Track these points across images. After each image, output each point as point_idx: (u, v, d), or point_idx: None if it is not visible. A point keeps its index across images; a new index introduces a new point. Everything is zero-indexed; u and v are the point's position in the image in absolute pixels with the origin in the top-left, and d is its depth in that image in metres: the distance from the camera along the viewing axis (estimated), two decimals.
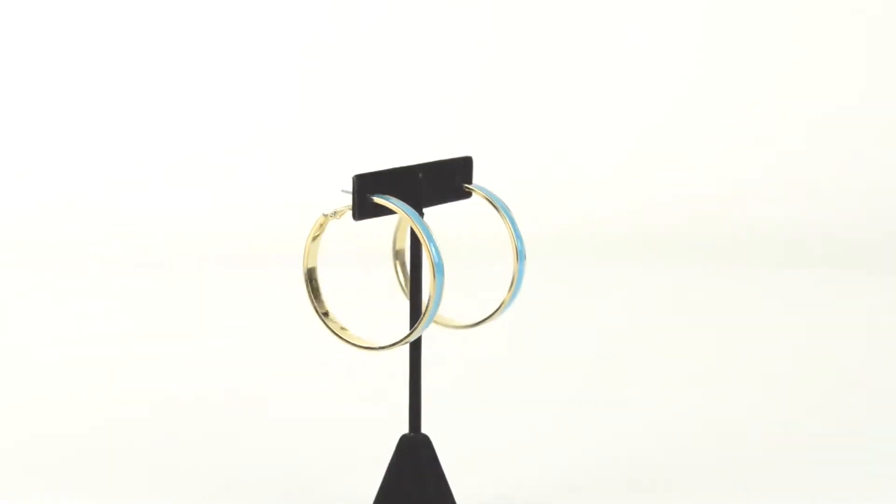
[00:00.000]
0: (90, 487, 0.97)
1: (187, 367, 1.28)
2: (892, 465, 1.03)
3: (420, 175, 0.84)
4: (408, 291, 0.89)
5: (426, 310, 0.82)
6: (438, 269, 0.81)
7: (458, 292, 1.13)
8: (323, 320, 0.86)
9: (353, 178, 0.82)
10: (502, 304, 0.87)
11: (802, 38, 2.09)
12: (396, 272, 0.90)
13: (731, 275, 1.69)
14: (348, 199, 0.82)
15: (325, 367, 1.27)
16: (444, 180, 0.86)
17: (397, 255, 0.90)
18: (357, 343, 0.85)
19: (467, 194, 0.88)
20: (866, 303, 1.57)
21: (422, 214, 0.86)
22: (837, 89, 2.07)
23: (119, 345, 1.36)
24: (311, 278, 0.85)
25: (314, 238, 0.84)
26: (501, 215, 0.85)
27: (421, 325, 0.82)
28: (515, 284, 0.85)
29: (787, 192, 1.98)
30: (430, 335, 0.92)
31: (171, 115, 2.06)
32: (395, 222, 0.90)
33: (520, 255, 0.85)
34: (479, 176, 0.89)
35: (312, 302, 0.86)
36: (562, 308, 1.52)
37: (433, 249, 0.81)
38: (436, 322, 0.89)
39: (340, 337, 0.86)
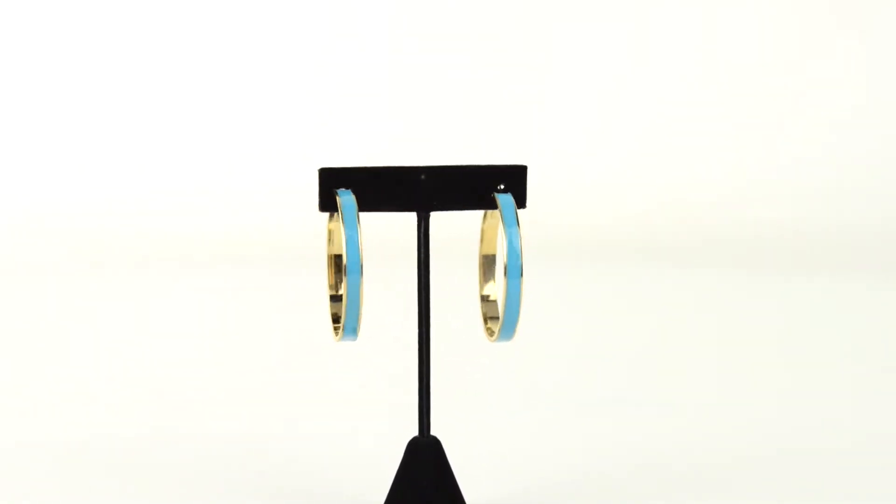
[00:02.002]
0: (93, 493, 0.97)
1: (194, 369, 1.29)
2: (893, 465, 1.03)
3: (422, 177, 0.84)
4: (482, 295, 0.88)
5: (343, 313, 0.82)
6: (348, 270, 0.80)
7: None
8: (331, 306, 0.88)
9: (319, 171, 0.84)
10: (500, 324, 0.84)
11: (805, 40, 2.09)
12: (480, 277, 0.89)
13: (733, 276, 1.69)
14: None
15: (335, 371, 1.27)
16: (467, 186, 0.84)
17: (484, 260, 0.89)
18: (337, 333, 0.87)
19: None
20: (868, 304, 1.57)
21: (427, 216, 0.86)
22: (839, 92, 2.07)
23: (121, 347, 1.36)
24: (333, 263, 0.87)
25: (332, 226, 0.86)
26: (502, 228, 0.82)
27: (342, 326, 0.82)
28: (506, 303, 0.81)
29: (788, 193, 1.98)
30: (438, 338, 0.92)
31: (174, 117, 2.06)
32: (480, 226, 0.88)
33: (509, 272, 0.81)
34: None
35: (329, 284, 0.87)
36: (569, 310, 1.52)
37: (347, 251, 0.80)
38: (486, 328, 0.88)
39: (333, 325, 0.87)
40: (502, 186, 0.84)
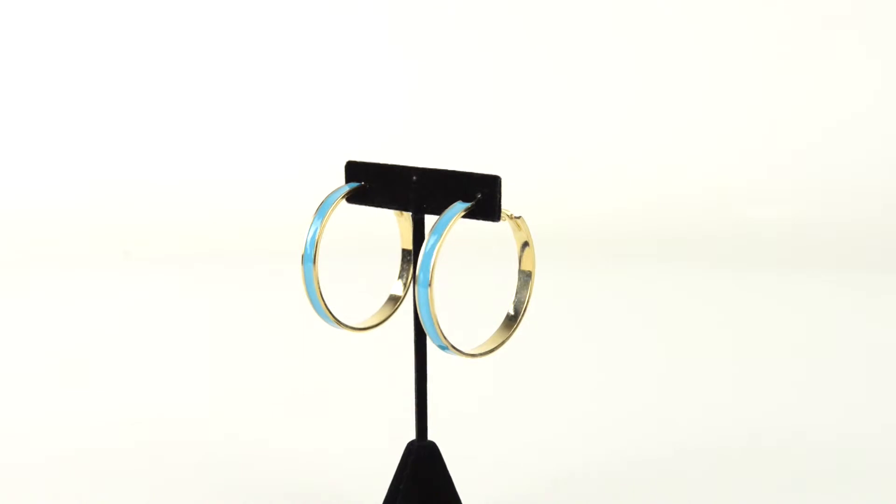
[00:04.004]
0: (90, 497, 0.96)
1: (190, 370, 1.28)
2: (891, 466, 1.03)
3: (414, 178, 0.84)
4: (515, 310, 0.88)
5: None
6: (304, 259, 0.84)
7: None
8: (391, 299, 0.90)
9: (346, 164, 0.86)
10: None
11: (807, 40, 2.09)
12: (518, 289, 0.87)
13: (731, 275, 1.68)
14: None
15: (331, 374, 1.26)
16: (449, 191, 0.83)
17: (520, 275, 0.87)
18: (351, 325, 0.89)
19: None
20: (868, 303, 1.56)
21: (421, 217, 0.85)
22: (839, 93, 2.07)
23: (122, 347, 1.36)
24: (404, 258, 0.90)
25: (399, 223, 0.88)
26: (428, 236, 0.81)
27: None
28: (418, 311, 0.80)
29: (787, 193, 1.98)
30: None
31: (174, 115, 2.06)
32: (516, 244, 0.86)
33: (418, 281, 0.79)
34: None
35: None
36: (567, 311, 1.52)
37: (306, 241, 0.84)
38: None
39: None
40: (479, 195, 0.82)
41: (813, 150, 2.03)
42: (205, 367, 1.30)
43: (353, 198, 0.86)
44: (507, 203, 0.84)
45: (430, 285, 0.79)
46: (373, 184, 0.85)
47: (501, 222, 0.82)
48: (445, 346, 0.82)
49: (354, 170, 0.86)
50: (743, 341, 1.38)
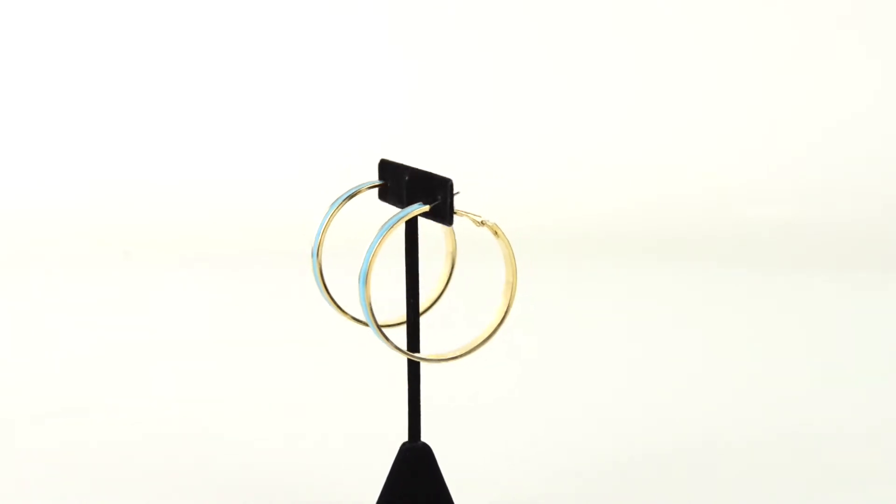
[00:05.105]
0: (84, 497, 0.96)
1: (184, 370, 1.28)
2: (892, 464, 1.02)
3: (406, 178, 0.84)
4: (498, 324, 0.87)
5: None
6: (312, 254, 0.86)
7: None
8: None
9: (379, 162, 0.87)
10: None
11: (807, 40, 2.08)
12: (503, 304, 0.87)
13: (731, 275, 1.68)
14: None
15: (326, 376, 1.26)
16: (425, 193, 0.84)
17: (506, 286, 0.87)
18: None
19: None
20: (868, 303, 1.56)
21: (414, 218, 0.85)
22: (839, 92, 2.06)
23: (121, 347, 1.36)
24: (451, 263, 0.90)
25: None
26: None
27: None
28: (363, 310, 0.81)
29: (787, 193, 1.97)
30: (432, 344, 0.91)
31: (177, 114, 2.06)
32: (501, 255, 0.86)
33: (360, 278, 0.81)
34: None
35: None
36: (562, 311, 1.51)
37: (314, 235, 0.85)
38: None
39: None
40: (440, 197, 0.82)
41: (813, 150, 2.02)
42: (204, 368, 1.30)
43: (381, 195, 0.88)
44: (507, 204, 0.84)
45: (367, 282, 0.79)
46: (390, 182, 0.86)
47: (479, 228, 0.82)
48: (388, 346, 0.82)
49: (383, 169, 0.87)
50: (743, 341, 1.38)
